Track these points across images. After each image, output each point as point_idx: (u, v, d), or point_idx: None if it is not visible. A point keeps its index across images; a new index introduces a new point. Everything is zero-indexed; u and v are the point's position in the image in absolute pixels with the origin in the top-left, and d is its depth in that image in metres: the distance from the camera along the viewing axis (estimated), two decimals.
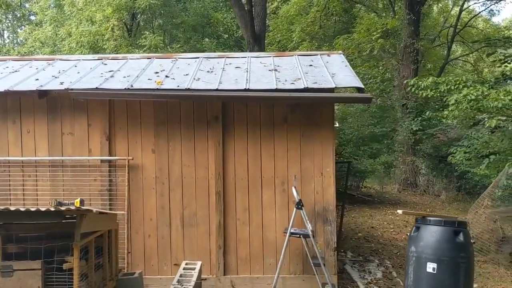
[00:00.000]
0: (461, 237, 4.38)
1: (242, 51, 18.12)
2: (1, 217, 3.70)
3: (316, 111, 5.70)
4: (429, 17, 20.90)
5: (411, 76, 13.86)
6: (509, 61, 8.56)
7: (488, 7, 20.45)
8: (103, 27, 17.55)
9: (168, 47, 17.89)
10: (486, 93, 7.03)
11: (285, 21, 19.50)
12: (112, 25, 17.40)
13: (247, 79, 5.77)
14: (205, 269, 5.57)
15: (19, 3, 21.84)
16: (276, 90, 5.44)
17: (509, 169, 7.38)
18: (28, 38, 23.13)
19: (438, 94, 8.38)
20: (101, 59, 6.96)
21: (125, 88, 5.50)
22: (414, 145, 14.91)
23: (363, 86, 5.58)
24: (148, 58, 7.00)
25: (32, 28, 23.47)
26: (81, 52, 16.68)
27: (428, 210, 12.00)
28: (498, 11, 34.20)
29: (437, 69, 19.65)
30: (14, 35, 29.05)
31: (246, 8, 13.93)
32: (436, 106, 13.57)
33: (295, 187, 5.31)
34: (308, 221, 5.12)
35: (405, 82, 11.74)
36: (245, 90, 5.45)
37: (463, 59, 22.95)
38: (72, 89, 5.44)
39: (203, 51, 17.45)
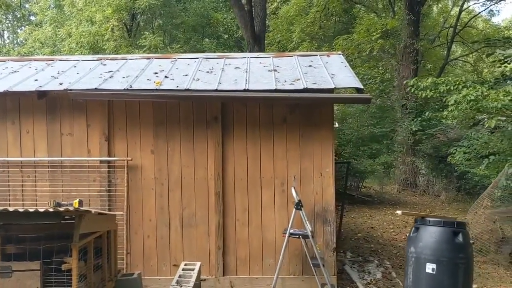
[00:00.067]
0: (460, 238, 4.38)
1: (242, 51, 18.13)
2: (0, 218, 3.70)
3: (315, 111, 5.70)
4: (429, 17, 20.90)
5: (411, 77, 13.84)
6: (508, 62, 8.55)
7: (488, 8, 20.47)
8: (103, 28, 17.56)
9: (168, 47, 17.90)
10: (486, 93, 7.03)
11: (285, 21, 19.49)
12: (112, 25, 17.41)
13: (246, 80, 5.77)
14: (204, 270, 5.56)
15: (19, 4, 21.84)
16: (276, 90, 5.44)
17: (508, 170, 7.37)
18: (28, 38, 23.16)
19: (438, 95, 8.37)
20: (100, 60, 6.96)
21: (124, 89, 5.50)
22: (414, 145, 14.90)
23: (362, 87, 5.58)
24: (147, 59, 7.00)
25: (32, 29, 23.49)
26: (81, 52, 16.69)
27: (428, 210, 12.00)
28: (498, 11, 34.35)
29: (437, 70, 19.65)
30: (14, 35, 29.07)
31: (246, 9, 13.93)
32: (436, 107, 13.56)
33: (294, 188, 5.30)
34: (307, 222, 5.11)
35: (404, 82, 11.75)
36: (244, 90, 5.45)
37: (463, 60, 22.96)
38: (71, 90, 5.44)
39: (203, 52, 17.45)
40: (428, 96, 8.56)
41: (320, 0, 17.82)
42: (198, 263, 4.88)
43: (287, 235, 5.15)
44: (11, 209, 3.58)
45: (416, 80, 8.81)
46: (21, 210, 3.56)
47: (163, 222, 5.73)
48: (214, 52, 17.27)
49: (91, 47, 17.27)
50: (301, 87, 5.46)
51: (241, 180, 5.72)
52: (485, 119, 7.66)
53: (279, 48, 19.16)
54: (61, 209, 3.71)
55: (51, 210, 3.60)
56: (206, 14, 20.50)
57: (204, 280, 5.49)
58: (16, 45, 27.11)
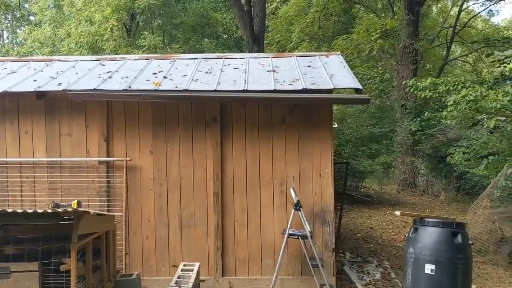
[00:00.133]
0: (459, 239, 4.38)
1: (242, 51, 18.14)
2: None
3: (314, 112, 5.70)
4: (428, 17, 20.90)
5: (410, 77, 13.83)
6: (508, 62, 8.54)
7: (487, 8, 20.46)
8: (102, 28, 17.55)
9: (167, 47, 17.88)
10: (485, 93, 7.02)
11: (284, 21, 19.49)
12: (111, 25, 17.40)
13: (245, 80, 5.77)
14: (203, 271, 5.56)
15: (18, 4, 21.83)
16: (275, 91, 5.44)
17: (507, 170, 7.37)
18: (27, 38, 23.16)
19: (437, 95, 8.37)
20: (99, 60, 6.96)
21: (123, 89, 5.49)
22: (413, 145, 14.89)
23: (361, 87, 5.58)
24: (146, 59, 7.00)
25: (31, 29, 23.48)
26: (80, 52, 16.68)
27: (427, 210, 12.00)
28: (498, 11, 34.31)
29: (436, 70, 19.64)
30: (14, 35, 29.07)
31: (245, 9, 13.92)
32: (435, 107, 13.56)
33: (293, 188, 5.30)
34: (306, 222, 5.11)
35: (404, 82, 11.73)
36: (243, 91, 5.45)
37: (462, 60, 22.95)
38: (70, 90, 5.44)
39: (202, 52, 17.45)
40: (427, 97, 8.56)
41: (320, 0, 17.81)
42: (197, 264, 4.87)
43: (286, 235, 5.15)
44: (9, 210, 3.58)
45: (415, 80, 8.81)
46: (19, 211, 3.56)
47: (162, 222, 5.72)
48: (214, 52, 17.26)
49: (91, 47, 17.26)
50: (300, 87, 5.46)
51: (240, 180, 5.72)
52: (484, 119, 7.66)
53: (278, 48, 19.15)
54: (60, 210, 3.70)
55: (49, 211, 3.60)
56: (205, 14, 20.50)
57: (203, 280, 5.48)
58: (15, 45, 27.12)
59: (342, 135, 13.82)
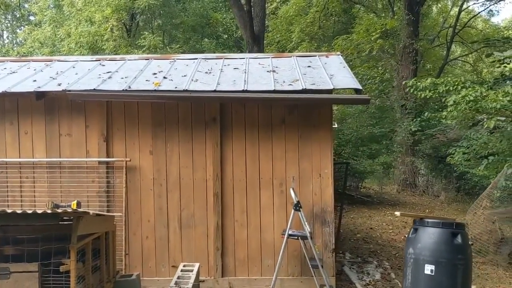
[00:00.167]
0: (459, 239, 4.37)
1: (242, 51, 18.14)
2: None
3: (314, 112, 5.69)
4: (428, 17, 20.89)
5: (410, 77, 13.83)
6: (508, 62, 8.54)
7: (487, 8, 20.45)
8: (102, 28, 17.54)
9: (167, 47, 17.87)
10: (485, 94, 7.02)
11: (284, 21, 19.48)
12: (111, 25, 17.40)
13: (245, 80, 5.77)
14: (203, 271, 5.56)
15: (18, 4, 21.83)
16: (274, 91, 5.44)
17: (507, 170, 7.37)
18: (27, 38, 23.17)
19: (437, 95, 8.36)
20: (99, 60, 6.96)
21: (123, 90, 5.49)
22: (413, 145, 14.89)
23: (361, 88, 5.58)
24: (146, 59, 7.00)
25: (31, 29, 23.49)
26: (80, 52, 16.68)
27: (427, 210, 12.00)
28: (498, 11, 34.30)
29: (437, 70, 19.63)
30: (14, 35, 29.08)
31: (245, 9, 13.91)
32: (436, 107, 13.55)
33: (293, 189, 5.30)
34: (306, 223, 5.11)
35: (404, 83, 11.73)
36: (243, 91, 5.45)
37: (463, 60, 22.94)
38: (69, 91, 5.43)
39: (202, 52, 17.45)
40: (427, 97, 8.55)
41: (320, 0, 17.80)
42: (197, 264, 4.87)
43: (285, 236, 5.15)
44: (9, 211, 3.58)
45: (415, 80, 8.79)
46: (19, 211, 3.55)
47: (161, 223, 5.72)
48: (214, 52, 17.27)
49: (91, 47, 17.26)
50: (300, 87, 5.46)
51: (240, 181, 5.71)
52: (485, 120, 7.66)
53: (278, 48, 19.15)
54: (59, 210, 3.70)
55: (49, 211, 3.60)
56: (205, 14, 20.50)
57: (203, 281, 5.48)
58: (15, 45, 27.13)
59: (342, 135, 13.82)
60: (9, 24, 29.37)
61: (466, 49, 21.62)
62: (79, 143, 5.74)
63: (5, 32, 30.22)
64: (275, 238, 5.65)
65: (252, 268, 5.68)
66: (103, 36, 17.41)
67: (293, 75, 5.99)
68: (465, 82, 7.85)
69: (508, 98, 6.68)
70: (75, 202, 4.36)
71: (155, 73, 6.16)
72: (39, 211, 3.54)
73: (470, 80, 8.91)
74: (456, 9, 20.71)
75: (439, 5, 22.29)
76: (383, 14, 19.63)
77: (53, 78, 5.99)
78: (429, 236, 4.44)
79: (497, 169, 8.11)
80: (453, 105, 7.29)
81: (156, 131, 5.75)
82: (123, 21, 18.57)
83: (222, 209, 5.68)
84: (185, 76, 6.02)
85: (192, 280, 4.32)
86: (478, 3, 20.08)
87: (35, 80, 5.89)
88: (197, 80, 5.85)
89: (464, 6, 20.00)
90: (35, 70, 6.47)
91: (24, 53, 20.68)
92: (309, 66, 6.39)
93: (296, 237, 5.21)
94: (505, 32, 19.23)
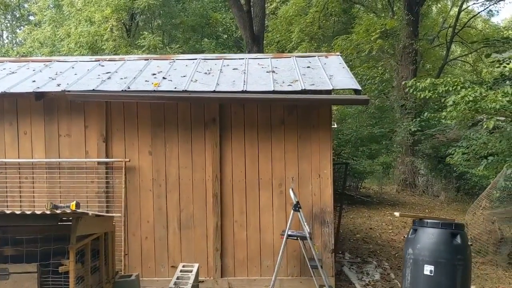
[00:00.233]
0: (458, 240, 4.38)
1: (241, 51, 18.12)
2: None
3: (313, 112, 5.69)
4: (428, 17, 20.89)
5: (410, 77, 13.84)
6: (508, 62, 8.54)
7: (487, 8, 20.45)
8: (102, 28, 17.53)
9: (167, 47, 17.87)
10: (484, 94, 7.02)
11: (284, 21, 19.46)
12: (111, 25, 17.39)
13: (244, 81, 5.77)
14: (202, 271, 5.56)
15: (17, 4, 21.82)
16: (274, 92, 5.44)
17: (507, 170, 7.37)
18: (27, 38, 23.14)
19: (437, 95, 8.36)
20: (98, 61, 6.96)
21: (122, 90, 5.49)
22: (413, 145, 14.90)
23: (360, 88, 5.57)
24: (145, 60, 7.00)
25: (31, 29, 23.45)
26: (80, 52, 16.67)
27: (427, 210, 12.00)
28: (497, 11, 34.27)
29: (436, 70, 19.63)
30: (13, 35, 29.05)
31: (244, 9, 13.89)
32: (435, 107, 13.56)
33: (292, 189, 5.30)
34: (305, 223, 5.10)
35: (403, 83, 11.73)
36: (242, 92, 5.45)
37: (462, 60, 22.94)
38: (69, 91, 5.43)
39: (202, 52, 17.46)
40: (427, 97, 8.55)
41: (319, 0, 17.80)
42: (196, 265, 4.87)
43: (285, 236, 5.15)
44: (8, 211, 3.57)
45: (415, 81, 8.79)
46: (18, 212, 3.55)
47: (161, 223, 5.72)
48: (213, 52, 17.28)
49: (90, 47, 17.25)
50: (299, 88, 5.45)
51: (239, 181, 5.71)
52: (484, 120, 7.66)
53: (278, 48, 19.15)
54: (58, 211, 3.70)
55: (48, 212, 3.60)
56: (205, 14, 20.49)
57: (202, 281, 5.49)
58: (15, 45, 27.10)
59: (342, 135, 13.82)
60: (8, 24, 29.34)
61: (465, 49, 21.61)
62: (78, 143, 5.74)
63: (4, 32, 30.20)
64: (274, 238, 5.65)
65: (252, 269, 5.68)
66: (103, 36, 17.40)
67: (293, 76, 5.98)
68: (465, 83, 7.85)
69: (507, 99, 6.68)
70: (74, 202, 4.35)
71: (154, 74, 6.16)
72: (38, 212, 3.55)
73: (469, 80, 8.91)
74: (455, 9, 20.71)
75: (439, 5, 22.29)
76: (383, 14, 19.62)
77: (52, 79, 5.99)
78: (429, 236, 4.44)
79: (496, 169, 8.11)
80: (452, 105, 7.29)
81: (155, 132, 5.75)
82: (122, 21, 18.56)
83: (222, 210, 5.68)
84: (184, 76, 6.02)
85: (191, 281, 4.33)
86: (478, 3, 20.10)
87: (34, 81, 5.89)
88: (196, 80, 5.85)
89: (464, 6, 20.01)
90: (34, 70, 6.46)
91: (24, 53, 20.66)
92: (308, 67, 6.38)
93: (295, 238, 5.21)
94: (504, 32, 19.23)
